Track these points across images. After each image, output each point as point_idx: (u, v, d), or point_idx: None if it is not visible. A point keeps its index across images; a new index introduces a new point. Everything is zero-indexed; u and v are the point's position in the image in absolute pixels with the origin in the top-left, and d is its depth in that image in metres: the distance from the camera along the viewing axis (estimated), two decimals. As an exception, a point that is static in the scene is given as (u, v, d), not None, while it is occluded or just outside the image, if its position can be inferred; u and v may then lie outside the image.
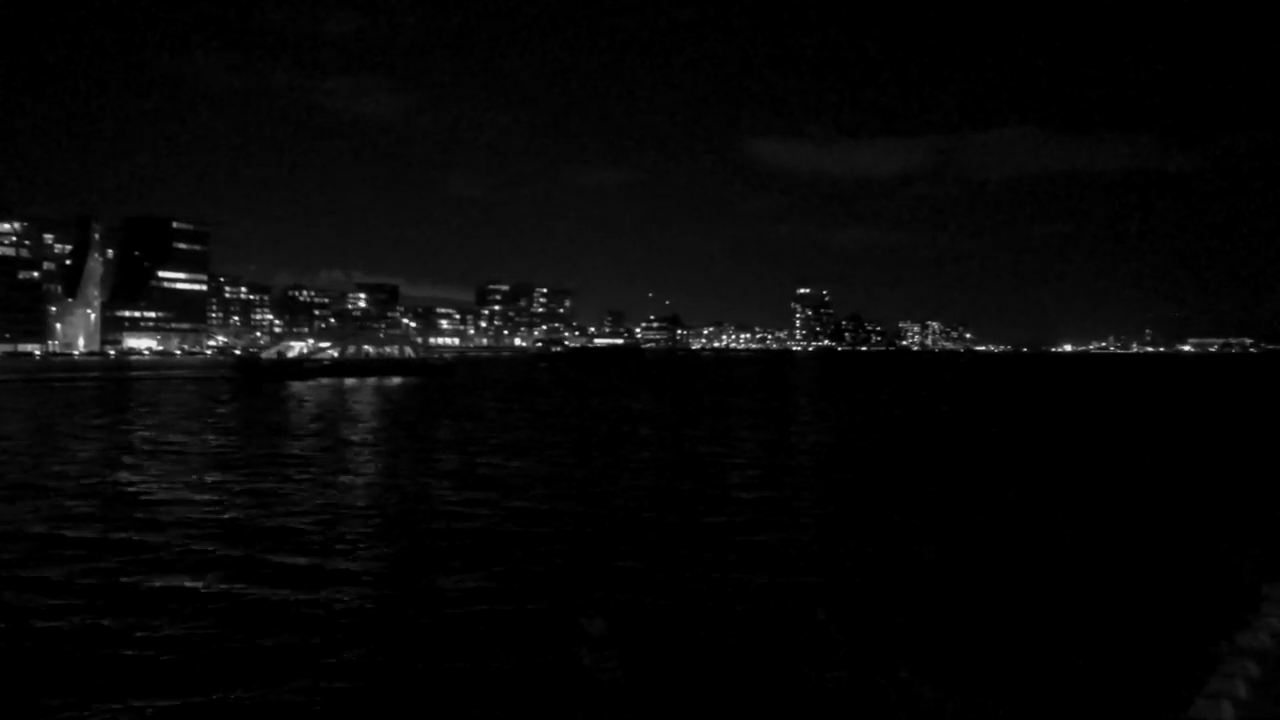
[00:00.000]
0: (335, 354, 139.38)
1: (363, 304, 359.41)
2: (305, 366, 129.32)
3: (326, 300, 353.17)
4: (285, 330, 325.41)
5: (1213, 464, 37.37)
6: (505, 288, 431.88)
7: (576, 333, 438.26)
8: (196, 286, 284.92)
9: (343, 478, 32.85)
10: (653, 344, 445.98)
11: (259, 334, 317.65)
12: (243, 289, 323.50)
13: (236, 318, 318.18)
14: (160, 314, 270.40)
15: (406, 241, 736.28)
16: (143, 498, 28.24)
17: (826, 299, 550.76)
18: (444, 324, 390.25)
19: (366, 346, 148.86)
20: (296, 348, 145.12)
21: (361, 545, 21.81)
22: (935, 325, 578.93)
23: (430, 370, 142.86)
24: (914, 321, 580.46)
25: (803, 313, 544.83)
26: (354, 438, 46.87)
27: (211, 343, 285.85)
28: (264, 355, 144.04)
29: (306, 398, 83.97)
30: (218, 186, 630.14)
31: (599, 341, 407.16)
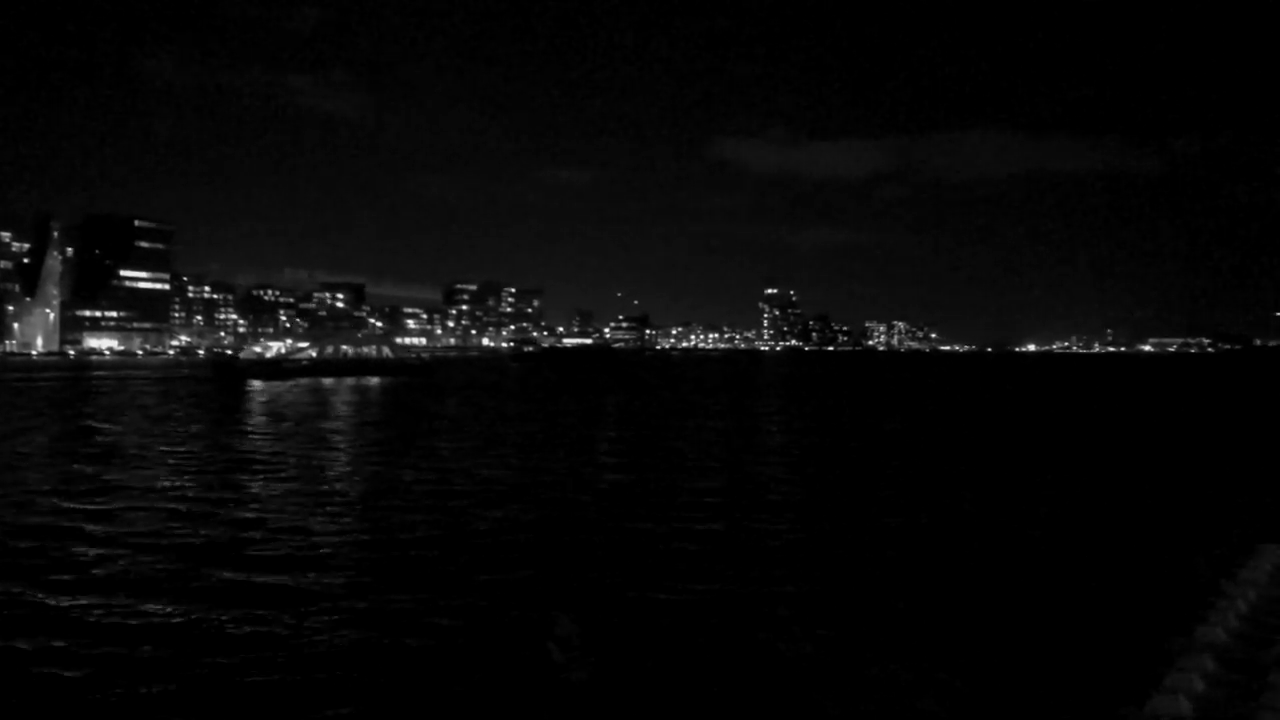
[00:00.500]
0: (314, 354, 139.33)
1: (329, 303, 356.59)
2: (284, 366, 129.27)
3: (292, 300, 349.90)
4: (250, 330, 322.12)
5: (1170, 463, 38.01)
6: (473, 287, 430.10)
7: (545, 332, 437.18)
8: (159, 286, 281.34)
9: (314, 482, 32.57)
10: (622, 344, 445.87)
11: (223, 334, 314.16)
12: (206, 288, 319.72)
13: (200, 317, 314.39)
14: (121, 314, 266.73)
15: (372, 240, 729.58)
16: (101, 507, 27.87)
17: (794, 299, 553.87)
18: (411, 324, 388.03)
19: (345, 347, 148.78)
20: (274, 348, 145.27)
21: (332, 543, 21.64)
22: (901, 325, 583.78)
23: (409, 370, 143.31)
24: (880, 322, 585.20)
25: (770, 313, 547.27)
26: (333, 438, 46.50)
27: (175, 343, 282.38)
28: (242, 355, 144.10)
29: (284, 397, 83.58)
30: (179, 184, 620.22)
31: (568, 341, 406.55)
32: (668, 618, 15.92)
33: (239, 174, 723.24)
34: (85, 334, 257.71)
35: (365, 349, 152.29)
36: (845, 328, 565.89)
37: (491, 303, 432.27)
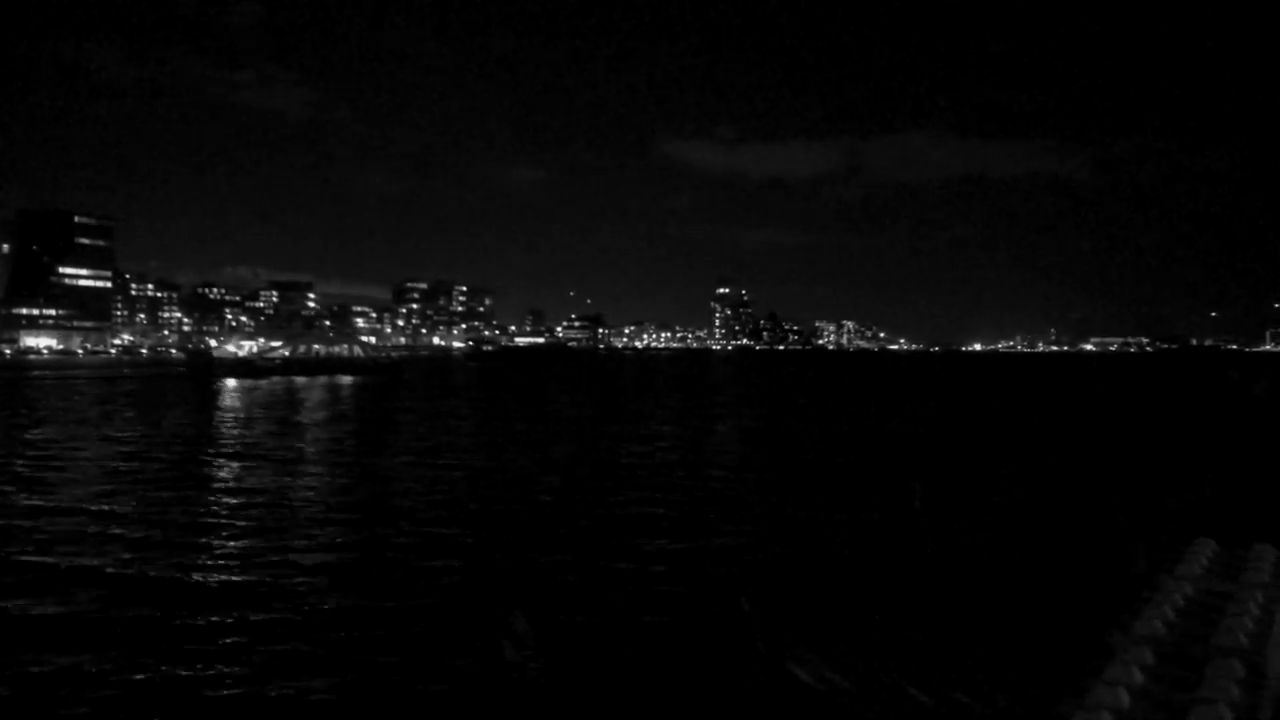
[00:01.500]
0: (286, 353, 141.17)
1: (275, 301, 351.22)
2: (257, 365, 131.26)
3: (238, 298, 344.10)
4: (195, 329, 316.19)
5: (1107, 458, 38.84)
6: (424, 286, 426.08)
7: (497, 331, 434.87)
8: (100, 283, 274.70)
9: (281, 477, 32.08)
10: (574, 343, 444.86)
11: (167, 333, 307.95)
12: (150, 286, 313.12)
13: (143, 315, 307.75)
14: (61, 312, 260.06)
15: (317, 238, 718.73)
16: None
17: (745, 299, 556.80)
18: (360, 322, 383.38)
19: (316, 346, 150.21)
20: (247, 346, 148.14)
21: (292, 541, 21.35)
22: (850, 325, 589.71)
23: (379, 369, 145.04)
24: (830, 321, 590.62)
25: (722, 312, 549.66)
26: (306, 436, 45.82)
27: (117, 341, 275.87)
28: (216, 354, 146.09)
29: (258, 396, 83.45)
30: (118, 179, 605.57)
31: (520, 341, 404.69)
32: (624, 615, 15.94)
33: (179, 170, 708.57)
34: (22, 332, 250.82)
35: (336, 348, 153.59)
36: (795, 327, 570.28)
37: (442, 301, 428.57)
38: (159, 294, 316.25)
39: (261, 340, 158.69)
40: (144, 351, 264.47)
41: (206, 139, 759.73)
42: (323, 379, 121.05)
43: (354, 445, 43.50)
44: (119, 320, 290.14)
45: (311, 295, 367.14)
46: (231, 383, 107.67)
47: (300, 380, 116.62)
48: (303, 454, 39.90)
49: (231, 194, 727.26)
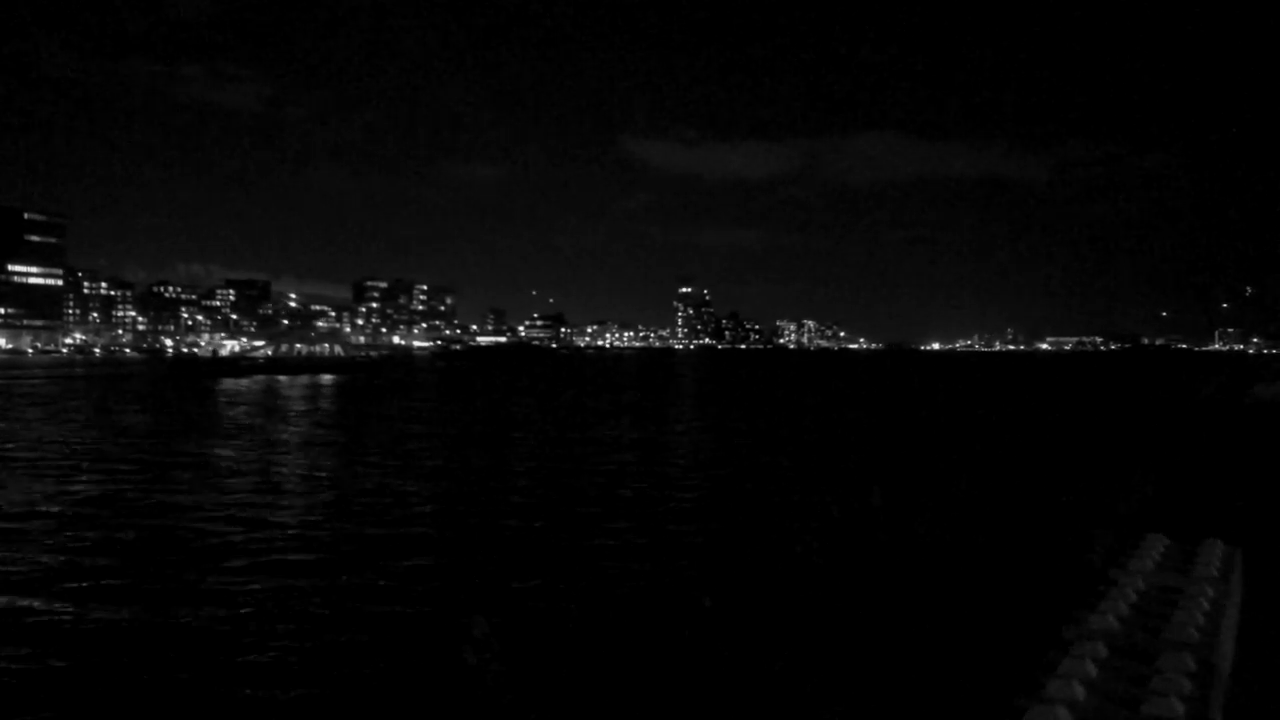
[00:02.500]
0: (269, 352, 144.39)
1: (233, 300, 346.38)
2: (240, 364, 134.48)
3: (194, 296, 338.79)
4: (150, 328, 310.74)
5: (1061, 453, 39.43)
6: (384, 284, 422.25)
7: (458, 330, 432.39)
8: (51, 281, 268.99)
9: (245, 478, 31.63)
10: (537, 342, 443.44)
11: (120, 332, 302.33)
12: (102, 284, 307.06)
13: (96, 314, 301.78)
14: (10, 310, 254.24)
15: (274, 235, 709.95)
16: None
17: (707, 298, 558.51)
18: (320, 322, 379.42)
19: (299, 345, 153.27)
20: (229, 346, 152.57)
21: (253, 543, 21.07)
22: (811, 324, 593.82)
23: (357, 367, 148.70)
24: (790, 320, 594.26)
25: (685, 311, 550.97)
26: (283, 437, 45.19)
27: (69, 341, 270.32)
28: (199, 353, 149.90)
29: (242, 394, 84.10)
30: (65, 175, 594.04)
31: (483, 340, 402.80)
32: (587, 616, 15.91)
33: (128, 165, 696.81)
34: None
35: (317, 347, 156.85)
36: (756, 326, 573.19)
37: (403, 300, 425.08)
38: (112, 292, 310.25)
39: (244, 340, 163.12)
40: (96, 351, 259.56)
41: (157, 135, 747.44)
42: (304, 378, 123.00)
43: (319, 451, 43.05)
44: (71, 319, 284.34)
45: (269, 294, 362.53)
46: (229, 382, 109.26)
47: (283, 379, 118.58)
48: (268, 454, 39.41)
49: (183, 191, 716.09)
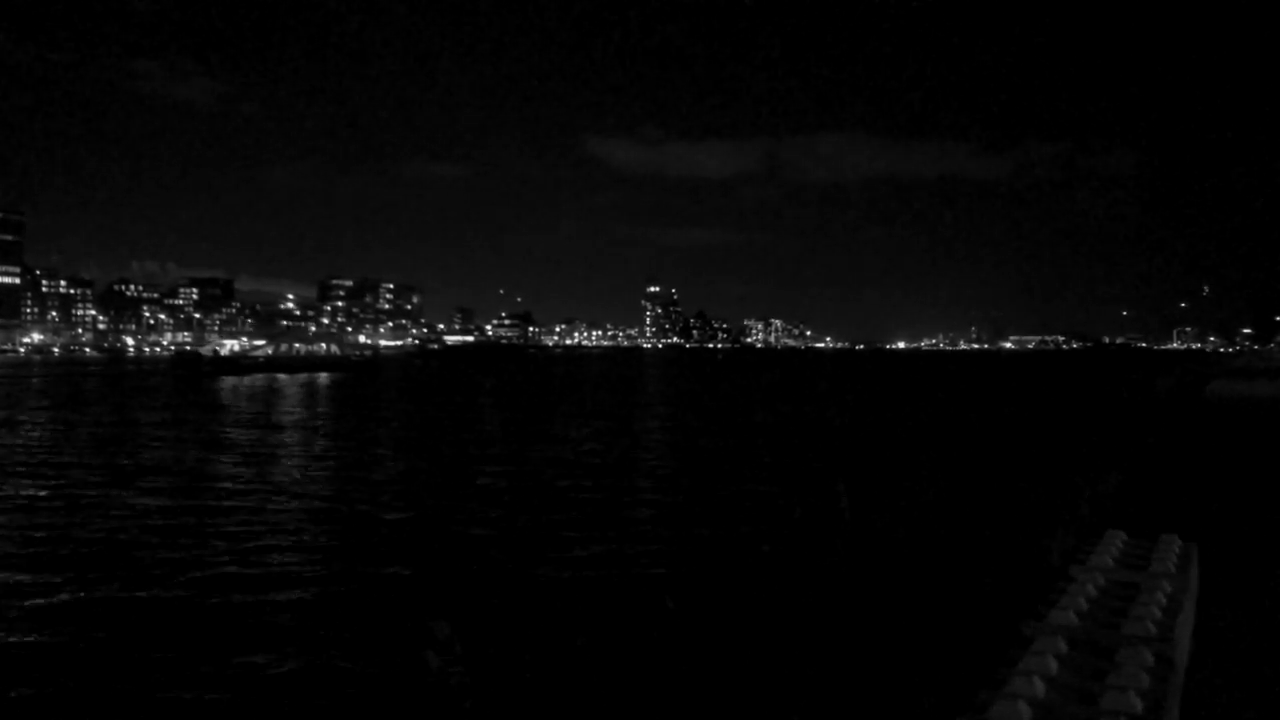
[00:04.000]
0: (270, 351, 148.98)
1: (196, 298, 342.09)
2: (242, 363, 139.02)
3: (157, 295, 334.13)
4: (110, 327, 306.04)
5: (1022, 450, 39.90)
6: (349, 283, 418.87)
7: (425, 329, 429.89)
8: (8, 279, 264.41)
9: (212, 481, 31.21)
10: (504, 340, 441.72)
11: (80, 331, 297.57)
12: (62, 282, 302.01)
13: (55, 313, 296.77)
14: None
15: (232, 233, 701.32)
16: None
17: (675, 297, 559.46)
18: (284, 321, 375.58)
19: (297, 344, 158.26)
20: (228, 345, 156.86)
21: (220, 542, 20.80)
22: (778, 323, 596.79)
23: (354, 367, 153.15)
24: (758, 319, 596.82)
25: (653, 311, 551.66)
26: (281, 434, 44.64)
27: (26, 340, 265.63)
28: (202, 352, 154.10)
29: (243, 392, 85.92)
30: (14, 171, 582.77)
31: (449, 339, 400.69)
32: (548, 619, 15.86)
33: (82, 162, 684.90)
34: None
35: (315, 346, 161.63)
36: (724, 325, 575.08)
37: (369, 299, 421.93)
38: (72, 291, 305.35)
39: (244, 340, 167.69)
40: (55, 350, 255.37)
41: (112, 131, 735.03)
42: (302, 376, 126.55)
43: (288, 454, 42.63)
44: (28, 318, 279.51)
45: (233, 293, 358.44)
46: (230, 380, 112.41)
47: (282, 377, 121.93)
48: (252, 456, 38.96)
49: (138, 187, 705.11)
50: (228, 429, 50.76)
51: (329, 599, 17.11)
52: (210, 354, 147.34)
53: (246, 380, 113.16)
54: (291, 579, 18.55)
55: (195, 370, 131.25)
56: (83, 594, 17.46)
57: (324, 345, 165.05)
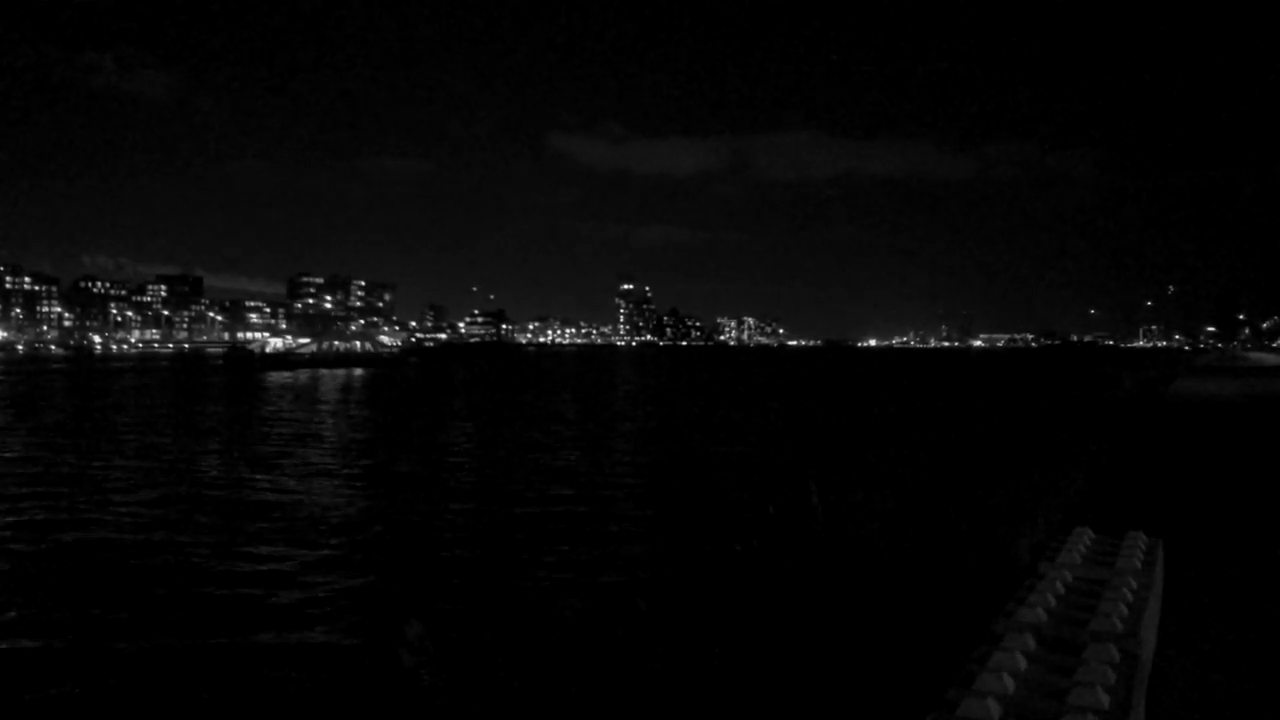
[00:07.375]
0: (314, 348, 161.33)
1: (164, 295, 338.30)
2: (290, 359, 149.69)
3: (124, 292, 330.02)
4: (77, 324, 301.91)
5: (991, 447, 40.26)
6: (320, 280, 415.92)
7: (398, 327, 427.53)
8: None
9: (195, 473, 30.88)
10: (476, 338, 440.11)
11: (46, 328, 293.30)
12: (26, 279, 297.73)
13: (19, 310, 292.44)
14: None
15: (188, 228, 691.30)
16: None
17: (649, 295, 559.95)
18: (254, 317, 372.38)
19: (336, 342, 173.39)
20: (273, 343, 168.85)
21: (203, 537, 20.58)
22: (751, 321, 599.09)
23: (385, 363, 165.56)
24: (731, 317, 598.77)
25: (626, 308, 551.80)
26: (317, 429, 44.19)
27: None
28: (252, 348, 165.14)
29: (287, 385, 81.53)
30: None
31: (419, 335, 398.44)
32: (521, 619, 15.84)
33: (27, 154, 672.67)
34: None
35: (352, 344, 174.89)
36: (698, 323, 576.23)
37: (340, 296, 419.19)
38: (36, 288, 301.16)
39: (288, 338, 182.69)
40: (20, 348, 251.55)
41: (61, 124, 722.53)
42: (341, 371, 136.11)
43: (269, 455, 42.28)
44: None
45: (202, 290, 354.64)
46: (275, 375, 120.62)
47: (323, 372, 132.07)
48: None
49: (88, 181, 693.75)
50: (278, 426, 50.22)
51: (303, 602, 16.98)
52: (259, 350, 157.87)
53: (288, 375, 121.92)
54: (266, 577, 18.41)
55: (248, 366, 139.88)
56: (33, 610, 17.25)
57: (359, 343, 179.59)
